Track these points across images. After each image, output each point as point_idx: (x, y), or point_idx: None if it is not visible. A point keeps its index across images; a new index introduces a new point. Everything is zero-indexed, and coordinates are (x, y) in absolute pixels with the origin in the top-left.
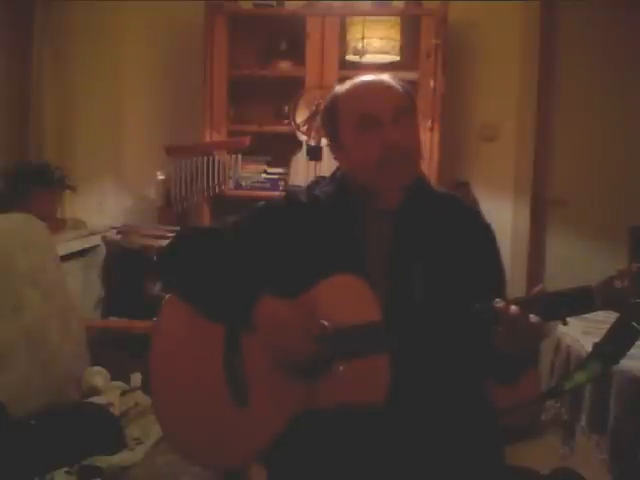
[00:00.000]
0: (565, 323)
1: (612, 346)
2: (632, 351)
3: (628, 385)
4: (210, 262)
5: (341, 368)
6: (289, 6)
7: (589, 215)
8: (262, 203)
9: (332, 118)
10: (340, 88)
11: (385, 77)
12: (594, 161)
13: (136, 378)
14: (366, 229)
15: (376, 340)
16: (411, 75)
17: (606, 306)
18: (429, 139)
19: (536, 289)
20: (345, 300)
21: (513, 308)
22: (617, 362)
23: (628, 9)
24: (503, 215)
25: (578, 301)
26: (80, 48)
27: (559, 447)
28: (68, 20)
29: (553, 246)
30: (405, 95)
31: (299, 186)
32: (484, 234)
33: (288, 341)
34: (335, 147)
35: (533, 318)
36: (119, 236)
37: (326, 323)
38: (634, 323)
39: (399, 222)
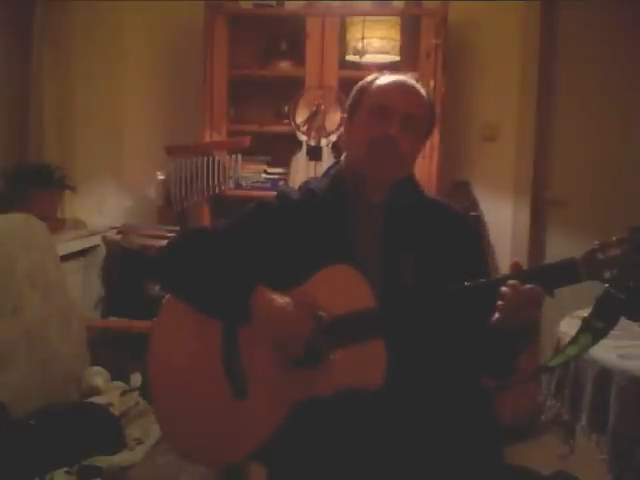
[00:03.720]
0: (552, 295)
1: (600, 318)
2: (632, 351)
3: (628, 385)
4: (207, 262)
5: (338, 355)
6: (289, 6)
7: (589, 215)
8: (254, 204)
9: (358, 98)
10: (379, 79)
11: (418, 87)
12: (594, 161)
13: (136, 378)
14: (358, 222)
15: (372, 325)
16: (411, 75)
17: (590, 277)
18: (429, 139)
19: (514, 262)
20: (339, 289)
21: (510, 280)
22: (606, 334)
23: (628, 9)
24: (503, 215)
25: (564, 273)
26: (80, 48)
27: (559, 447)
28: (68, 20)
29: (553, 246)
30: (424, 111)
31: (290, 187)
32: (470, 237)
33: (285, 325)
34: (348, 124)
35: (529, 286)
36: (119, 236)
37: (322, 313)
38: (617, 293)
39: (387, 215)
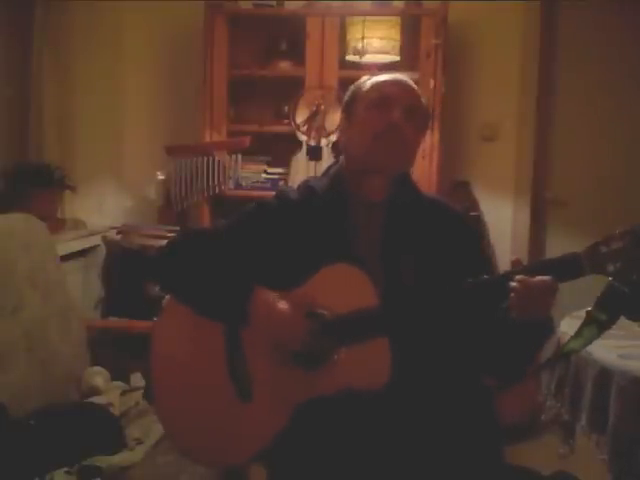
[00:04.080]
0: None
1: (604, 311)
2: (632, 351)
3: (628, 385)
4: (205, 264)
5: (342, 355)
6: (289, 6)
7: (589, 215)
8: (253, 204)
9: (353, 98)
10: (372, 78)
11: (412, 83)
12: (594, 161)
13: (136, 378)
14: (357, 221)
15: (375, 324)
16: (411, 75)
17: (594, 271)
18: (429, 139)
19: (515, 259)
20: (341, 288)
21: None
22: (610, 326)
23: (629, 9)
24: (503, 215)
25: (567, 267)
26: (80, 48)
27: (559, 447)
28: (68, 20)
29: (553, 246)
30: (421, 104)
31: (289, 187)
32: (469, 235)
33: (284, 326)
34: (345, 123)
35: (539, 277)
36: (119, 236)
37: (325, 312)
38: (621, 286)
39: (387, 214)
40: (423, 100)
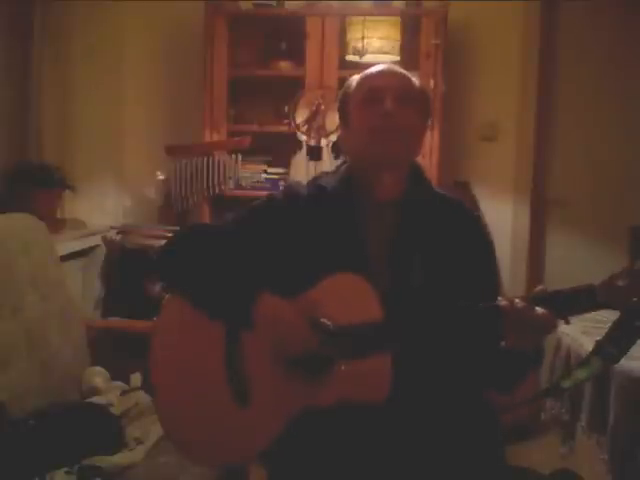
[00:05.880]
0: (568, 322)
1: (614, 344)
2: (632, 351)
3: (628, 385)
4: (210, 259)
5: (343, 367)
6: (289, 6)
7: (589, 215)
8: (262, 200)
9: (345, 100)
10: (361, 74)
11: (404, 71)
12: (594, 161)
13: (136, 378)
14: (368, 219)
15: (378, 339)
16: (411, 75)
17: (608, 305)
18: (429, 139)
19: (537, 288)
20: (346, 299)
21: (518, 302)
22: (618, 360)
23: (628, 9)
24: (503, 215)
25: (581, 300)
26: (80, 48)
27: (559, 447)
28: (68, 20)
29: (553, 246)
30: (417, 89)
31: (298, 182)
32: (482, 239)
33: (288, 335)
34: (344, 126)
35: (539, 310)
36: (119, 236)
37: (328, 322)
38: (635, 322)
39: (398, 214)
40: (416, 81)
